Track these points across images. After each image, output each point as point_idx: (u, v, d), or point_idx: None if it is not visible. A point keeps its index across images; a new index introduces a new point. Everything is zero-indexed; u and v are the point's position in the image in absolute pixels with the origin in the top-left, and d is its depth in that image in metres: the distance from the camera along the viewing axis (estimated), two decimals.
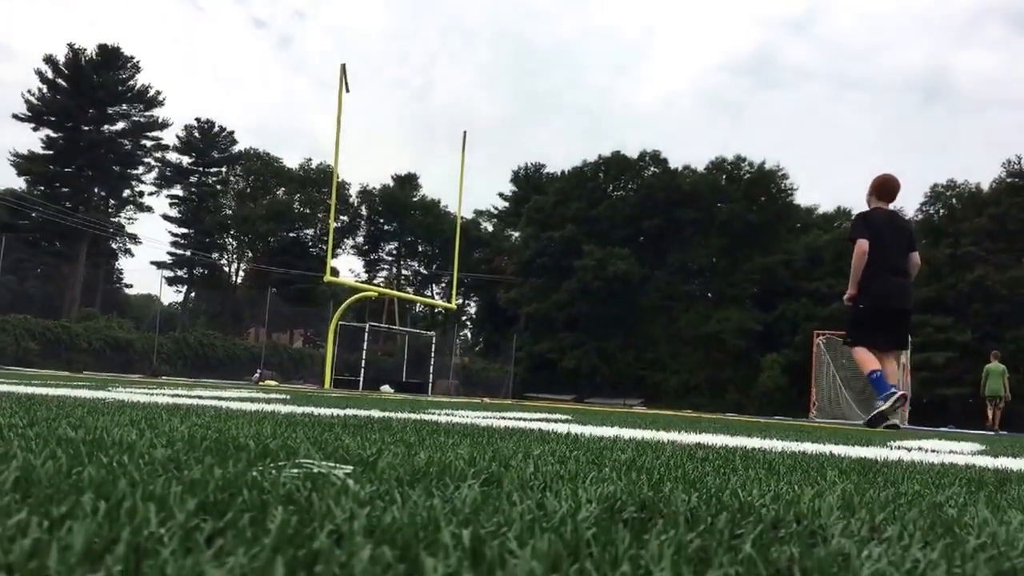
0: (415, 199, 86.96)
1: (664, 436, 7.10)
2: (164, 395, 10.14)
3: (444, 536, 1.56)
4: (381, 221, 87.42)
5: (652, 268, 63.46)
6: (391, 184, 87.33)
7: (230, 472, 2.28)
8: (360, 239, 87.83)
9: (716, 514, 2.16)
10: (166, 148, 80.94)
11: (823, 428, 17.16)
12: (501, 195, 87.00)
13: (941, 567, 1.61)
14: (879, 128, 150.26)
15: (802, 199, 69.14)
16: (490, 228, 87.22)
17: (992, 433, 22.89)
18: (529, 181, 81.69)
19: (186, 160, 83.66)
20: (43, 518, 1.50)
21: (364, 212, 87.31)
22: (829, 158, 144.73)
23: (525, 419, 9.55)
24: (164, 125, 78.26)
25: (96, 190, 76.60)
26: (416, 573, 1.25)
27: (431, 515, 1.78)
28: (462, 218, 43.97)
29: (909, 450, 7.57)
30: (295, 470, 2.55)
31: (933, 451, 7.54)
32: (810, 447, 6.77)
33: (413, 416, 8.04)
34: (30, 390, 8.87)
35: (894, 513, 2.51)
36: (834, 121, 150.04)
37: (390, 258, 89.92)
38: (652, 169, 67.33)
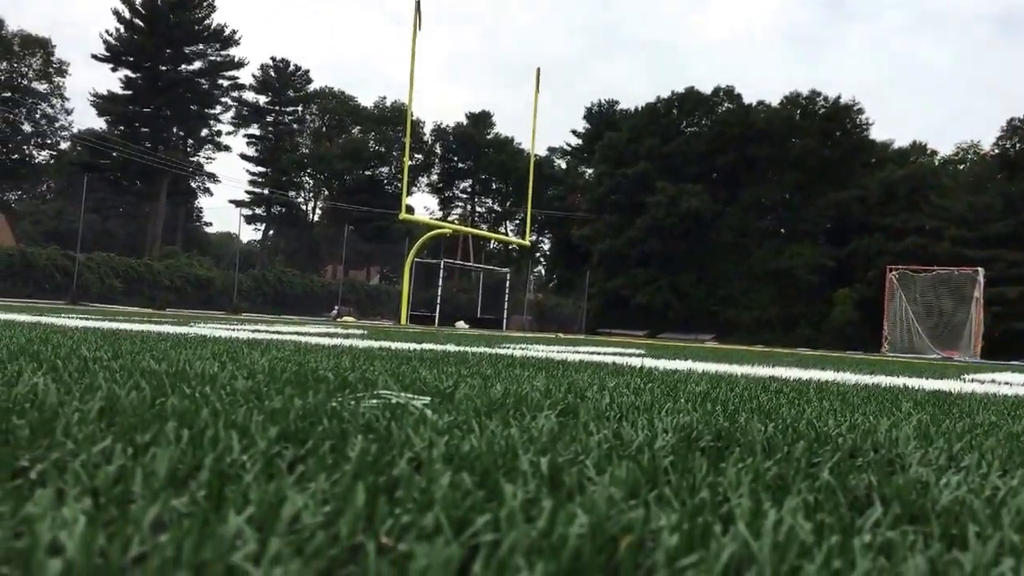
0: (489, 137, 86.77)
1: (737, 369, 7.08)
2: (245, 330, 10.30)
3: (522, 463, 1.56)
4: (455, 159, 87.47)
5: (725, 204, 62.70)
6: (465, 122, 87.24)
7: (310, 402, 2.32)
8: (435, 177, 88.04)
9: (793, 443, 2.15)
10: (242, 87, 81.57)
11: (896, 362, 17.00)
12: (574, 132, 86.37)
13: (1021, 494, 1.59)
14: (956, 60, 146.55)
15: (877, 134, 67.36)
16: (563, 165, 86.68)
17: None
18: (602, 118, 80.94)
19: (262, 99, 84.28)
20: (128, 445, 1.54)
21: (438, 150, 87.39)
22: (905, 91, 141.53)
23: (599, 353, 9.56)
24: (240, 64, 78.81)
25: (175, 130, 77.57)
26: (495, 499, 1.26)
27: (509, 444, 1.79)
28: (535, 155, 43.94)
29: (982, 383, 7.47)
30: (374, 401, 2.57)
31: (1006, 384, 7.44)
32: (884, 380, 6.70)
33: (488, 350, 8.09)
34: (115, 325, 9.07)
35: (971, 443, 2.49)
36: (911, 54, 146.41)
37: (464, 196, 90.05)
38: (726, 105, 66.27)
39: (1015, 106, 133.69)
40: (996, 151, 61.56)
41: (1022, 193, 54.72)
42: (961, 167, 66.88)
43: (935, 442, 2.39)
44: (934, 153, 68.35)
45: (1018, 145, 59.94)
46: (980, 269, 40.97)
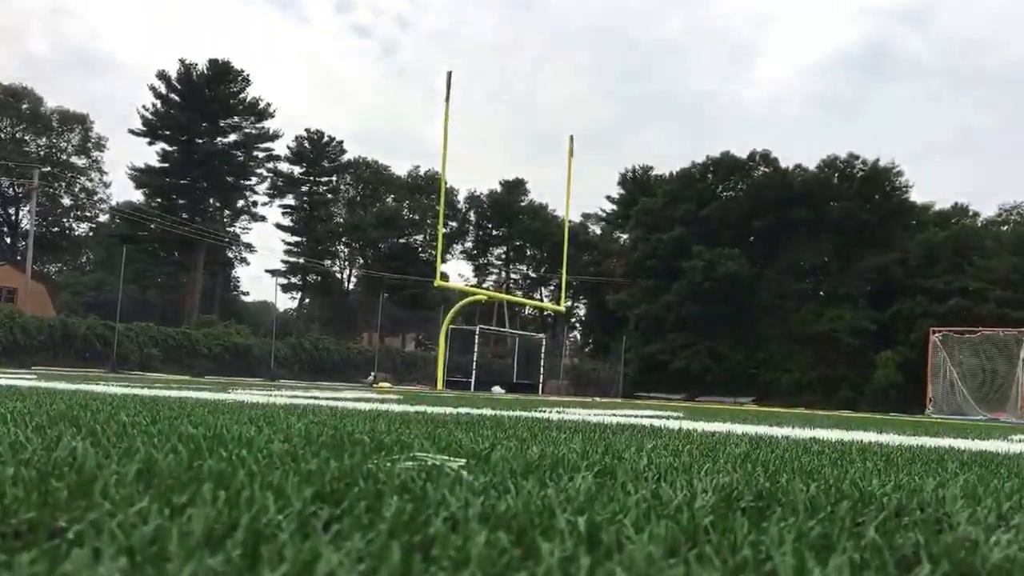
0: (523, 204, 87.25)
1: (778, 431, 7.00)
2: (282, 396, 10.32)
3: (559, 522, 1.54)
4: (490, 226, 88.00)
5: (762, 268, 62.56)
6: (499, 190, 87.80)
7: (346, 464, 2.30)
8: (469, 244, 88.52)
9: (836, 503, 2.11)
10: (277, 159, 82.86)
11: (941, 423, 16.78)
12: (609, 198, 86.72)
13: None
14: (996, 122, 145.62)
15: (917, 196, 66.64)
16: (598, 231, 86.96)
17: None
18: (637, 183, 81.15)
19: (297, 170, 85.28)
20: (164, 506, 1.53)
21: (472, 218, 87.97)
22: (945, 153, 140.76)
23: (636, 416, 9.50)
24: (275, 136, 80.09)
25: (211, 201, 78.65)
26: (532, 557, 1.24)
27: (545, 503, 1.76)
28: (570, 222, 44.16)
29: None
30: (410, 463, 2.56)
31: None
32: (928, 441, 6.61)
33: (525, 414, 8.05)
34: (154, 392, 9.11)
35: (1020, 502, 2.44)
36: (950, 116, 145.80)
37: (499, 262, 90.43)
38: (762, 169, 66.31)
39: None
40: None
41: None
42: (1004, 228, 66.31)
43: (983, 501, 2.35)
44: (976, 215, 67.88)
45: None
46: None
